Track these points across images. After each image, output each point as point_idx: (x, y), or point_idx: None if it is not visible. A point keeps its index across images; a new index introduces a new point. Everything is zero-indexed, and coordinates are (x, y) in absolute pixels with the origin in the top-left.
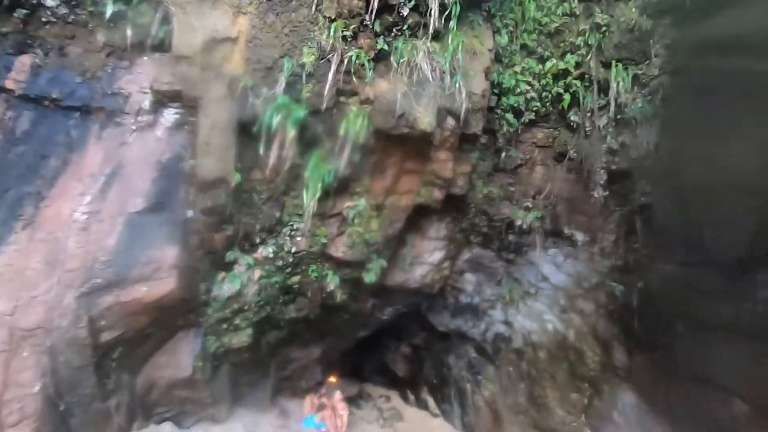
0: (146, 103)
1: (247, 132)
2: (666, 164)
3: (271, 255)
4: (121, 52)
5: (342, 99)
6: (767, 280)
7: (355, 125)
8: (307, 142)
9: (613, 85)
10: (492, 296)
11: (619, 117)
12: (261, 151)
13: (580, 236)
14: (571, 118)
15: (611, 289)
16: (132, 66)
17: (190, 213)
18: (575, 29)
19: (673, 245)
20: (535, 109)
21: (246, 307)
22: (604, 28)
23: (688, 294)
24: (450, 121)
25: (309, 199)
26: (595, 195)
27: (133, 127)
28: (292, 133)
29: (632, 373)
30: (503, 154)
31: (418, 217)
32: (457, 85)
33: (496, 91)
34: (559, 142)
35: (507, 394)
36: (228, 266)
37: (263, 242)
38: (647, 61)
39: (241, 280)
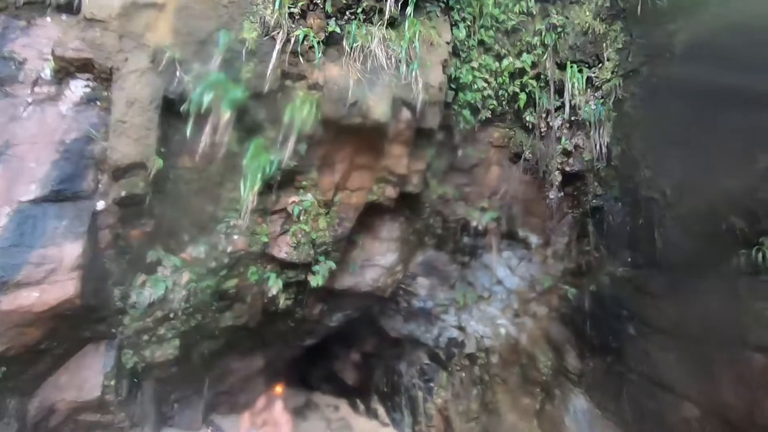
0: (46, 72)
1: (173, 111)
2: (617, 167)
3: (203, 255)
4: (16, 10)
5: (288, 83)
6: (715, 283)
7: (301, 112)
8: (246, 128)
9: (568, 86)
10: (445, 300)
11: (573, 119)
12: (188, 133)
13: (533, 239)
14: (527, 118)
15: (564, 293)
16: (30, 27)
17: (100, 204)
18: (531, 29)
19: (623, 248)
20: (491, 107)
21: (172, 316)
22: (559, 29)
23: (638, 297)
24: (405, 113)
25: (247, 192)
26: (550, 196)
27: (29, 100)
28: (227, 114)
29: (584, 378)
30: (459, 152)
31: (370, 216)
32: (414, 74)
33: (453, 86)
34: (514, 142)
35: (459, 401)
36: (150, 268)
37: (193, 240)
38: (600, 64)
39: (166, 284)
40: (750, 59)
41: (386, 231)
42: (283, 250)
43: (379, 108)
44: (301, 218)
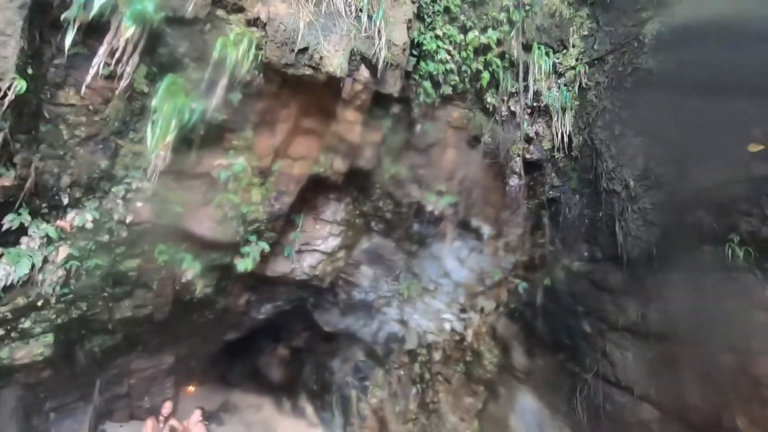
0: None
1: (52, 22)
2: (577, 157)
3: (90, 225)
4: None
5: (220, 13)
6: (680, 280)
7: (236, 52)
8: (161, 62)
9: (533, 68)
10: (389, 292)
11: (535, 104)
12: (66, 49)
13: (486, 229)
14: (488, 99)
15: (514, 287)
16: None
17: None
18: (498, 3)
19: (580, 241)
20: (453, 83)
21: (42, 304)
22: (528, 7)
23: (595, 292)
24: (364, 72)
25: (155, 142)
26: (510, 183)
27: None
28: (130, 31)
29: (532, 376)
30: (417, 128)
31: (313, 193)
32: (377, 27)
33: (414, 52)
34: (473, 124)
35: (396, 401)
36: (6, 238)
37: (77, 204)
38: (565, 50)
39: (33, 261)
40: (723, 50)
41: (330, 212)
42: (204, 224)
43: (334, 60)
44: (230, 186)
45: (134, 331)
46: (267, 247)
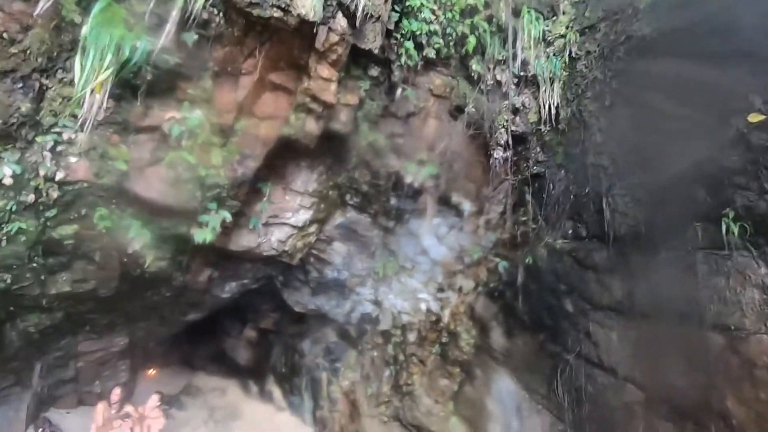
0: None
1: None
2: (564, 131)
3: (10, 181)
4: None
5: None
6: (668, 257)
7: None
8: None
9: (521, 35)
10: (363, 271)
11: (522, 74)
12: None
13: (467, 206)
14: (473, 66)
15: (494, 265)
16: None
17: None
18: None
19: (565, 218)
20: (437, 46)
21: None
22: None
23: (579, 271)
24: (341, 21)
25: (84, 81)
26: (495, 156)
27: None
28: None
29: (510, 357)
30: (398, 93)
31: (283, 159)
32: None
33: (396, 8)
34: (456, 93)
35: (368, 383)
36: None
37: None
38: (555, 17)
39: None
40: (721, 15)
41: (301, 181)
42: (153, 187)
43: (307, 2)
44: (183, 144)
45: (77, 310)
46: (229, 217)
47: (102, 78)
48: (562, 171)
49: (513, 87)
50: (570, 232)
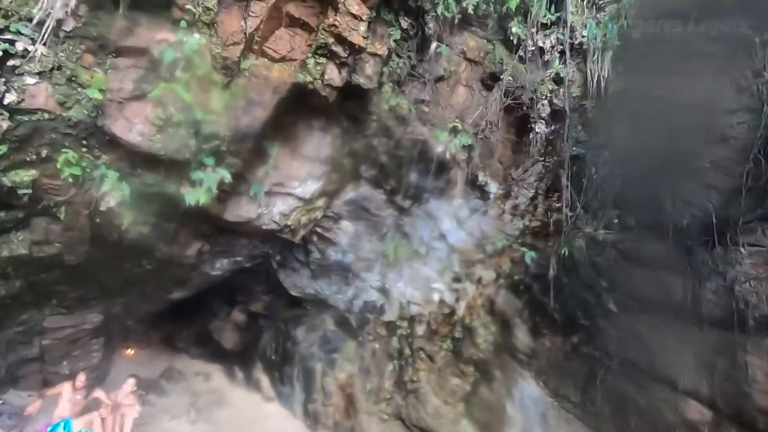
0: None
1: None
2: (611, 108)
3: None
4: None
5: None
6: (752, 254)
7: None
8: None
9: None
10: (370, 254)
11: (569, 41)
12: None
13: (493, 187)
14: (513, 29)
15: (520, 256)
16: None
17: None
18: None
19: (609, 206)
20: (475, 1)
21: None
22: None
23: (625, 265)
24: None
25: None
26: (536, 131)
27: None
28: None
29: (537, 358)
30: (431, 48)
31: (293, 115)
32: None
33: None
34: (492, 59)
35: (368, 377)
36: None
37: None
38: None
39: None
40: None
41: (313, 146)
42: (136, 127)
43: None
44: (178, 75)
45: (40, 279)
46: (228, 177)
47: None
48: (607, 152)
49: (557, 55)
50: (615, 221)
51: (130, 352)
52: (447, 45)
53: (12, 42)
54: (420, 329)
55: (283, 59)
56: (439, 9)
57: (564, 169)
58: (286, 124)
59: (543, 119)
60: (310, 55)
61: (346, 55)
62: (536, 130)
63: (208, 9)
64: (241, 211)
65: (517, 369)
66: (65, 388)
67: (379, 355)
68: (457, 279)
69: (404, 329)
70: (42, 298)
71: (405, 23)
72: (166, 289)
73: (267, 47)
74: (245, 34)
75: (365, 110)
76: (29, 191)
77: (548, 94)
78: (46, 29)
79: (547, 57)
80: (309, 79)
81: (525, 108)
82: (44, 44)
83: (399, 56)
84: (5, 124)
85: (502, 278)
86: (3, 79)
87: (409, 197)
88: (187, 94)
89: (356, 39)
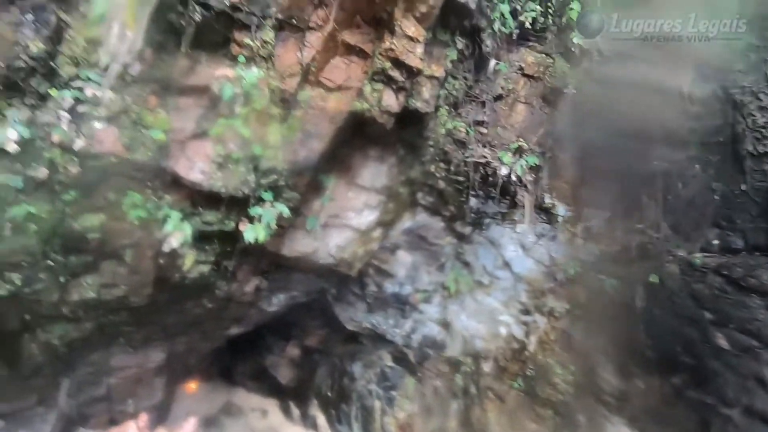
0: None
1: None
2: (700, 115)
3: (15, 148)
4: None
5: None
6: None
7: None
8: None
9: None
10: (429, 285)
11: None
12: None
13: (561, 209)
14: (574, 40)
15: (598, 285)
16: None
17: None
18: None
19: (705, 225)
20: (532, 14)
21: None
22: None
23: (734, 295)
24: None
25: (100, 10)
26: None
27: None
28: None
29: (629, 402)
30: (489, 67)
31: (349, 146)
32: None
33: None
34: (553, 72)
35: (430, 417)
36: None
37: None
38: None
39: None
40: None
41: (368, 175)
42: (197, 166)
43: None
44: (237, 110)
45: (109, 320)
46: (287, 212)
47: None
48: (697, 165)
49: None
50: (715, 242)
51: (191, 386)
52: (504, 62)
53: (81, 89)
54: (486, 366)
55: (339, 88)
56: (496, 25)
57: (643, 186)
58: (342, 154)
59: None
60: (366, 82)
61: (403, 79)
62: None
63: (266, 42)
64: (298, 245)
65: (604, 413)
66: (130, 427)
67: (441, 394)
68: (525, 311)
69: (468, 366)
70: (109, 338)
71: (461, 43)
72: (225, 327)
73: (323, 77)
74: (301, 65)
75: (421, 136)
76: (97, 235)
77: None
78: (114, 74)
79: None
80: (366, 106)
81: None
82: (112, 89)
83: (455, 77)
84: (75, 170)
85: (578, 309)
86: (73, 125)
87: (468, 223)
88: (246, 129)
89: (413, 61)
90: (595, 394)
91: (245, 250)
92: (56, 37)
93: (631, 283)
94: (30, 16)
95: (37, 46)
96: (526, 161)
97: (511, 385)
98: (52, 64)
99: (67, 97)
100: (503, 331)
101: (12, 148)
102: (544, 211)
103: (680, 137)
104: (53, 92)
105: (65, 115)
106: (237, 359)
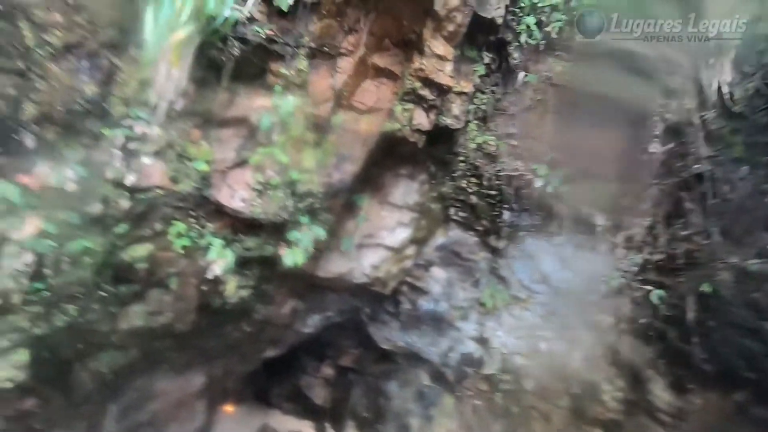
0: None
1: None
2: (743, 114)
3: (74, 187)
4: None
5: None
6: None
7: None
8: None
9: None
10: (464, 302)
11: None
12: None
13: (599, 219)
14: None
15: (643, 295)
16: None
17: None
18: None
19: (758, 230)
20: (558, 24)
21: (2, 305)
22: None
23: None
24: None
25: (156, 36)
26: (651, 150)
27: None
28: None
29: (685, 420)
30: (518, 80)
31: (379, 166)
32: None
33: None
34: (583, 80)
35: None
36: None
37: (50, 152)
38: None
39: None
40: None
41: (400, 193)
42: (238, 194)
43: None
44: (275, 139)
45: (153, 347)
46: (323, 234)
47: (179, 37)
48: (745, 167)
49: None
50: None
51: (228, 409)
52: (533, 73)
53: (131, 127)
54: (528, 384)
55: (370, 110)
56: (523, 38)
57: (686, 192)
58: (373, 174)
59: (657, 137)
60: (396, 102)
61: (434, 97)
62: (650, 150)
63: (300, 71)
64: (333, 266)
65: None
66: None
67: (481, 412)
68: (566, 326)
69: (509, 383)
70: (153, 364)
71: (487, 58)
72: (262, 349)
73: (354, 101)
74: (334, 90)
75: (451, 151)
76: (145, 265)
77: (659, 110)
78: (161, 108)
79: (651, 68)
80: (397, 126)
81: (632, 128)
82: (159, 125)
83: (483, 92)
84: (126, 204)
85: (624, 323)
86: (124, 162)
87: (503, 237)
88: (284, 155)
89: (443, 79)
90: (648, 411)
91: (284, 273)
92: (108, 80)
93: (681, 294)
94: (85, 63)
95: (91, 90)
96: (563, 172)
97: (557, 403)
98: (104, 105)
99: (118, 135)
100: (543, 346)
101: (71, 187)
102: (581, 222)
103: (722, 138)
104: (106, 132)
105: (117, 152)
106: (272, 381)
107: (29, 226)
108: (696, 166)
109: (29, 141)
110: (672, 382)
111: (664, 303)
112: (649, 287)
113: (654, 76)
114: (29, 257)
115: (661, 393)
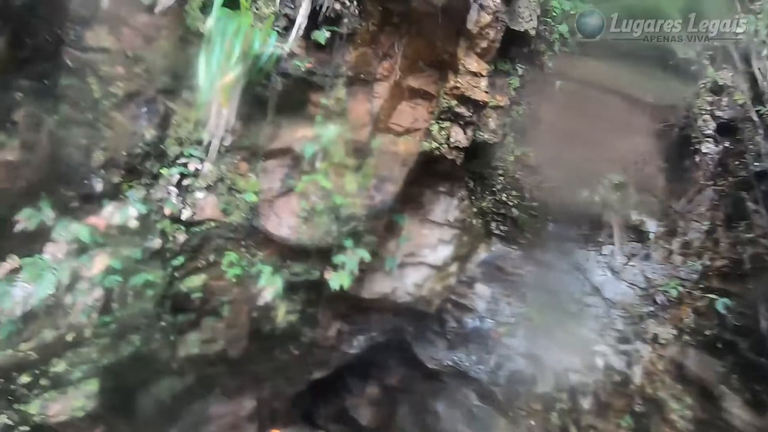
0: None
1: None
2: None
3: (136, 224)
4: None
5: None
6: None
7: None
8: None
9: None
10: (511, 317)
11: (716, 44)
12: None
13: (651, 225)
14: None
15: (707, 304)
16: None
17: None
18: None
19: None
20: None
21: (75, 338)
22: None
23: None
24: None
25: (209, 81)
26: (703, 150)
27: None
28: None
29: None
30: (556, 85)
31: (418, 185)
32: None
33: None
34: (621, 83)
35: None
36: (24, 244)
37: (115, 194)
38: None
39: (58, 276)
40: None
41: (440, 210)
42: (284, 222)
43: None
44: (318, 166)
45: (207, 373)
46: (367, 256)
47: (229, 79)
48: None
49: (707, 61)
50: None
51: (277, 431)
52: (572, 78)
53: (185, 165)
54: (585, 402)
55: (407, 131)
56: (556, 47)
57: (748, 192)
58: (413, 193)
59: (709, 137)
60: (433, 121)
61: (470, 114)
62: (703, 150)
63: (339, 99)
64: (377, 287)
65: None
66: None
67: None
68: (624, 339)
69: (564, 402)
70: (207, 389)
71: (521, 69)
72: (308, 372)
73: (391, 123)
74: (371, 114)
75: (490, 166)
76: (200, 294)
77: (708, 107)
78: (212, 146)
79: (694, 66)
80: (435, 145)
81: (679, 129)
82: (210, 162)
83: (519, 104)
84: (182, 237)
85: (687, 335)
86: (180, 197)
87: (549, 250)
88: (327, 181)
89: (479, 96)
90: (724, 430)
91: (330, 296)
92: (164, 123)
93: (750, 302)
94: (144, 109)
95: (150, 133)
96: (609, 179)
97: (619, 423)
98: (161, 146)
99: (174, 173)
100: (600, 362)
101: (133, 224)
102: (632, 229)
103: None
104: (163, 171)
105: (173, 189)
106: (318, 402)
107: (98, 263)
108: (756, 163)
109: (98, 184)
110: (748, 398)
111: (731, 312)
112: (712, 295)
113: (698, 73)
114: (98, 292)
115: (737, 411)
